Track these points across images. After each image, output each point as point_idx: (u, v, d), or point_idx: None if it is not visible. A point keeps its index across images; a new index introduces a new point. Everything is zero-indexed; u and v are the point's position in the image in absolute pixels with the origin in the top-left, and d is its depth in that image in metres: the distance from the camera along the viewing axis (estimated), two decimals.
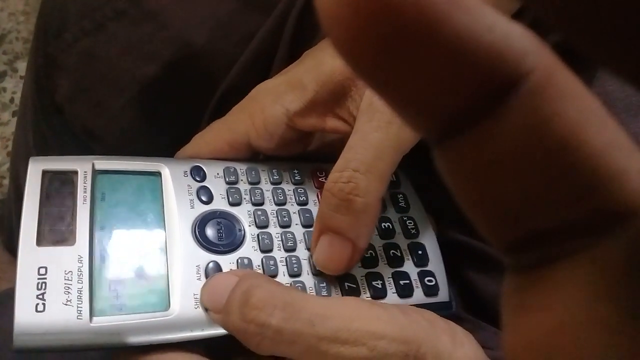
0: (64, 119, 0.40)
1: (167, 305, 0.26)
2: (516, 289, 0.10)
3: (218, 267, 0.27)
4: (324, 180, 0.33)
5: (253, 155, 0.33)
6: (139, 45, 0.38)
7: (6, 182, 0.92)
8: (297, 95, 0.30)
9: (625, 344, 0.08)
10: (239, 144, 0.32)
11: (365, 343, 0.23)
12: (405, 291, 0.30)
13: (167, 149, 0.33)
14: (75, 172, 0.28)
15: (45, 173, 0.28)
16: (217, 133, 0.33)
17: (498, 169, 0.09)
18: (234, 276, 0.25)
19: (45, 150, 0.43)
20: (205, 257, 0.28)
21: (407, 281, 0.30)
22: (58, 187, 0.28)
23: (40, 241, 0.25)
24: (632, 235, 0.08)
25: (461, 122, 0.08)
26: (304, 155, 0.34)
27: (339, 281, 0.29)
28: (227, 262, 0.28)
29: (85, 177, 0.28)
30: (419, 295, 0.30)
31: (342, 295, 0.28)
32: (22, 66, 1.05)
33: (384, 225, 0.32)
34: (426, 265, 0.31)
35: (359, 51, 0.08)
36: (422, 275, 0.30)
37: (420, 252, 0.31)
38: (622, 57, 0.07)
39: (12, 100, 1.02)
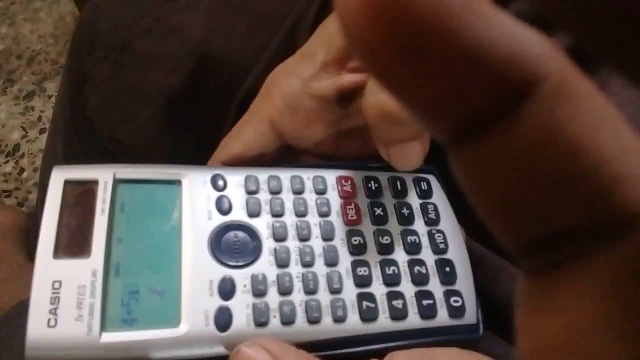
0: (93, 130, 0.41)
1: (178, 322, 0.26)
2: (531, 291, 0.10)
3: (232, 283, 0.27)
4: (349, 190, 0.31)
5: (282, 147, 0.33)
6: (163, 58, 0.40)
7: (32, 196, 0.96)
8: (308, 64, 0.32)
9: (635, 348, 0.08)
10: (263, 130, 0.32)
11: None
12: (428, 312, 0.28)
13: (192, 155, 0.33)
14: (96, 182, 0.28)
15: (67, 183, 0.28)
16: (240, 127, 0.33)
17: (512, 173, 0.09)
18: (266, 354, 0.24)
19: (73, 159, 0.45)
20: (219, 271, 0.27)
21: (431, 301, 0.28)
22: (78, 197, 0.28)
23: (57, 253, 0.26)
24: None
25: (476, 125, 0.09)
26: (329, 159, 0.33)
27: (358, 300, 0.28)
28: (242, 277, 0.27)
29: (105, 187, 0.28)
30: (443, 316, 0.28)
31: (361, 318, 0.27)
32: (50, 86, 1.10)
33: (411, 239, 0.30)
34: (454, 284, 0.29)
35: (376, 55, 0.08)
36: (447, 294, 0.29)
37: (448, 269, 0.30)
38: (633, 56, 0.07)
39: (39, 118, 1.07)
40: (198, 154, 0.33)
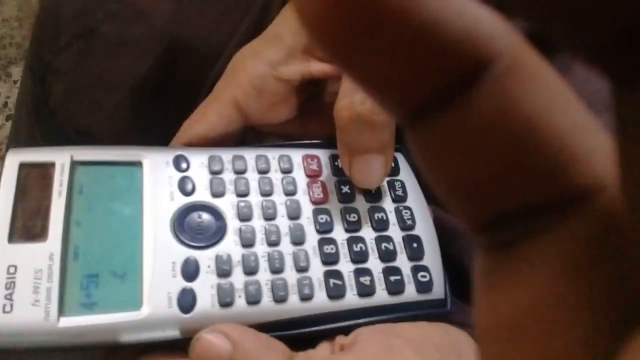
0: (58, 121, 0.40)
1: (140, 304, 0.25)
2: (487, 268, 0.10)
3: (195, 264, 0.26)
4: (315, 168, 0.31)
5: (247, 129, 0.32)
6: (130, 45, 0.38)
7: None
8: (276, 47, 0.31)
9: (590, 321, 0.08)
10: (228, 111, 0.31)
11: None
12: (395, 288, 0.28)
13: (163, 144, 0.32)
14: (53, 164, 0.27)
15: (22, 165, 0.27)
16: (204, 109, 0.32)
17: (467, 150, 0.09)
18: (225, 339, 0.24)
19: None
20: (183, 253, 0.27)
21: (399, 277, 0.28)
22: (34, 181, 0.27)
23: (12, 238, 0.25)
24: (597, 213, 0.09)
25: (431, 104, 0.09)
26: (295, 139, 0.33)
27: (325, 278, 0.28)
28: (206, 257, 0.27)
29: (62, 170, 0.27)
30: (410, 291, 0.28)
31: (328, 295, 0.27)
32: (15, 71, 1.07)
33: (378, 216, 0.30)
34: (421, 259, 0.29)
35: (328, 34, 0.08)
36: (415, 270, 0.29)
37: (415, 245, 0.29)
38: (584, 36, 0.07)
39: (5, 104, 1.04)
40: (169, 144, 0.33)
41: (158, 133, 0.40)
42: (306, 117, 0.34)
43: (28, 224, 0.26)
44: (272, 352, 0.24)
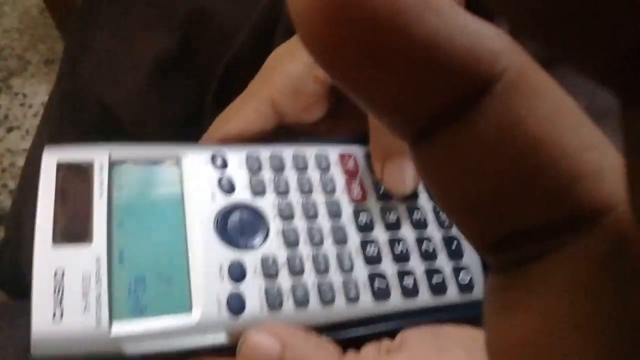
0: (83, 97, 0.40)
1: (190, 307, 0.25)
2: (497, 289, 0.10)
3: (242, 266, 0.26)
4: (352, 166, 0.31)
5: (280, 128, 0.32)
6: (155, 20, 0.39)
7: (1, 198, 0.92)
8: None
9: (602, 343, 0.08)
10: (265, 110, 0.31)
11: None
12: (438, 288, 0.28)
13: (179, 125, 0.32)
14: (92, 164, 0.27)
15: (60, 166, 0.26)
16: (240, 106, 0.32)
17: (474, 169, 0.09)
18: (274, 340, 0.24)
19: (60, 133, 0.43)
20: (228, 255, 0.26)
21: (441, 277, 0.28)
22: (73, 181, 0.26)
23: (56, 239, 0.24)
24: (607, 233, 0.08)
25: (436, 123, 0.08)
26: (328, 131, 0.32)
27: (369, 279, 0.27)
28: (251, 259, 0.26)
29: (101, 169, 0.27)
30: (453, 292, 0.28)
31: (373, 296, 0.27)
32: (16, 83, 1.04)
33: (416, 214, 0.30)
34: (461, 258, 0.29)
35: (330, 54, 0.08)
36: (456, 270, 0.29)
37: (454, 245, 0.29)
38: (592, 53, 0.07)
39: (6, 117, 1.02)
40: (186, 124, 0.32)
41: (176, 107, 0.40)
42: (337, 117, 0.34)
43: (71, 226, 0.25)
44: (322, 351, 0.24)
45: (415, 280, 0.28)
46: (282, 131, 0.33)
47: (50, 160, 0.26)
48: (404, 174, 0.29)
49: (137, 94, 0.40)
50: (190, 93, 0.41)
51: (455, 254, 0.29)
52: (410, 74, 0.08)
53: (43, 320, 0.23)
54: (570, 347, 0.08)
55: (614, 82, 0.07)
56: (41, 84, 1.04)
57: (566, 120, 0.08)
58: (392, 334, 0.27)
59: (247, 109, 0.31)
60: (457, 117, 0.08)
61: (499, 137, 0.08)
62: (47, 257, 0.24)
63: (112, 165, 0.27)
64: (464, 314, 0.28)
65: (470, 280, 0.29)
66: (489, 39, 0.08)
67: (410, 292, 0.28)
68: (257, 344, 0.24)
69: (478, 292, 0.29)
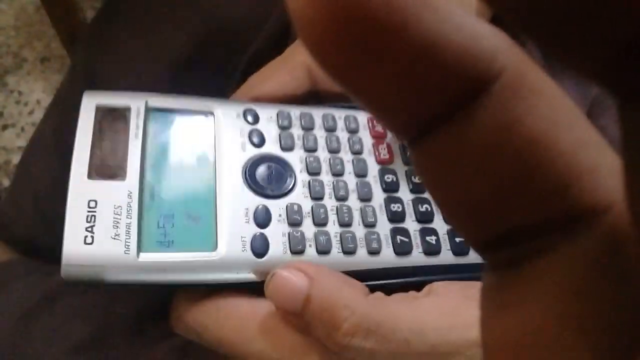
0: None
1: (215, 246, 0.25)
2: (493, 287, 0.10)
3: (267, 212, 0.27)
4: (380, 130, 0.31)
5: (313, 96, 0.32)
6: (175, 20, 0.40)
7: None
8: None
9: (598, 342, 0.08)
10: (299, 74, 0.32)
11: (464, 352, 0.23)
12: (460, 249, 0.28)
13: None
14: (128, 109, 0.28)
15: (99, 108, 0.27)
16: (274, 67, 0.33)
17: (471, 168, 0.09)
18: (302, 275, 0.24)
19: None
20: (255, 201, 0.27)
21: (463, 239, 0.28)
22: (111, 123, 0.27)
23: (91, 174, 0.25)
24: (603, 232, 0.08)
25: (434, 122, 0.08)
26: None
27: (392, 234, 0.28)
28: (277, 207, 0.27)
29: (138, 114, 0.28)
30: (475, 253, 0.28)
31: (395, 251, 0.27)
32: (12, 80, 1.04)
33: None
34: None
35: (328, 52, 0.08)
36: None
37: None
38: (588, 51, 0.07)
39: (1, 114, 1.02)
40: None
41: None
42: None
43: (106, 163, 0.26)
44: (350, 287, 0.24)
45: (437, 239, 0.28)
46: (314, 99, 0.34)
47: (90, 102, 0.27)
48: None
49: (154, 91, 0.41)
50: (205, 93, 0.42)
51: None
52: (408, 73, 0.08)
53: (74, 244, 0.23)
54: (565, 347, 0.08)
55: (611, 81, 0.07)
56: (37, 81, 1.04)
57: (563, 120, 0.08)
58: (417, 288, 0.27)
59: (282, 71, 0.32)
60: (455, 116, 0.08)
61: (497, 136, 0.08)
62: (81, 189, 0.25)
63: (148, 110, 0.28)
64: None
65: None
66: (486, 38, 0.08)
67: (432, 250, 0.28)
68: (286, 279, 0.24)
69: None
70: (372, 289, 0.26)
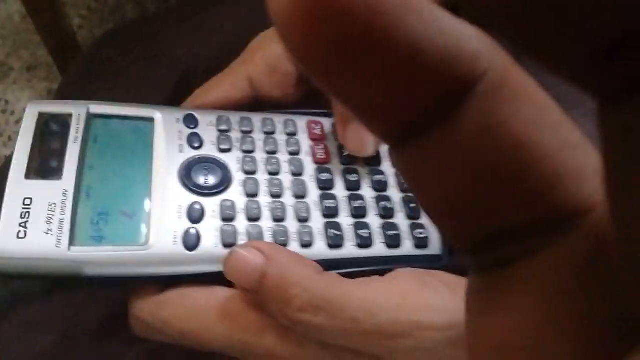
0: None
1: (146, 241, 0.26)
2: (478, 290, 0.10)
3: (201, 208, 0.27)
4: (318, 133, 0.32)
5: (256, 104, 0.34)
6: (151, 79, 0.41)
7: None
8: None
9: (583, 343, 0.08)
10: (242, 85, 0.33)
11: (412, 334, 0.24)
12: (393, 242, 0.29)
13: None
14: (70, 115, 0.29)
15: (41, 115, 0.29)
16: (218, 80, 0.34)
17: (455, 171, 0.09)
18: (259, 253, 0.25)
19: None
20: (189, 198, 0.28)
21: (396, 232, 0.29)
22: (52, 128, 0.28)
23: (29, 175, 0.26)
24: (588, 233, 0.08)
25: (417, 125, 0.08)
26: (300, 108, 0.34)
27: (325, 228, 0.29)
28: (211, 204, 0.28)
29: (79, 119, 0.29)
30: (408, 246, 0.29)
31: (328, 244, 0.28)
32: None
33: (377, 178, 0.31)
34: (419, 218, 0.30)
35: (310, 55, 0.08)
36: (412, 227, 0.30)
37: (413, 204, 0.30)
38: (568, 52, 0.07)
39: None
40: None
41: None
42: (314, 101, 0.36)
43: (44, 164, 0.27)
44: (305, 265, 0.25)
45: (370, 233, 0.29)
46: (256, 108, 0.35)
47: (33, 110, 0.29)
48: (365, 137, 0.30)
49: None
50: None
51: (413, 213, 0.30)
52: (390, 76, 0.08)
53: (7, 238, 0.24)
54: (550, 348, 0.08)
55: (590, 82, 0.07)
56: (23, 90, 1.04)
57: (548, 121, 0.08)
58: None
59: (225, 82, 0.34)
60: (438, 118, 0.08)
61: (481, 138, 0.08)
62: (18, 188, 0.26)
63: (89, 117, 0.29)
64: (419, 265, 0.29)
65: (427, 236, 0.29)
66: (469, 40, 0.08)
67: (364, 243, 0.28)
68: (242, 257, 0.25)
69: (434, 248, 0.29)
70: None
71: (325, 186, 0.30)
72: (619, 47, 0.06)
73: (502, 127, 0.08)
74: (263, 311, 0.25)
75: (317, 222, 0.29)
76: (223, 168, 0.29)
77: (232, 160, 0.30)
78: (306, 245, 0.28)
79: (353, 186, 0.30)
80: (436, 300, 0.24)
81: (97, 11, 1.11)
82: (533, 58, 0.07)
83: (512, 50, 0.08)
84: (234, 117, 0.32)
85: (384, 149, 0.33)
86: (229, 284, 0.26)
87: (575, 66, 0.07)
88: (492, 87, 0.08)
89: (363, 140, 0.30)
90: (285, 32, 0.08)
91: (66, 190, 0.26)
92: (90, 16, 1.10)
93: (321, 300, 0.23)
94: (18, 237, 0.24)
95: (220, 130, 0.31)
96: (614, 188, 0.07)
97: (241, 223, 0.28)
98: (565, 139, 0.08)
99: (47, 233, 0.25)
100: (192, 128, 0.31)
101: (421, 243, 0.29)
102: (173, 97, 0.41)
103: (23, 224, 0.25)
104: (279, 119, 0.32)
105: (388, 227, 0.29)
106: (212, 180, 0.29)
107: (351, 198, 0.30)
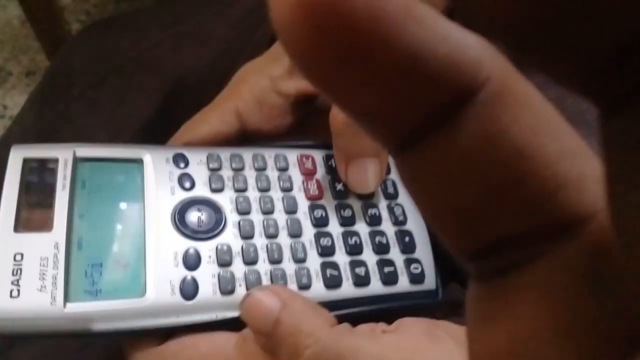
0: None
1: (143, 292, 0.26)
2: (479, 298, 0.10)
3: (197, 254, 0.27)
4: (310, 167, 0.32)
5: (244, 137, 0.33)
6: (136, 91, 0.41)
7: None
8: (277, 64, 0.33)
9: (585, 351, 0.08)
10: (229, 118, 0.33)
11: None
12: (389, 278, 0.29)
13: None
14: (56, 160, 0.28)
15: (26, 161, 0.28)
16: (205, 114, 0.33)
17: (456, 178, 0.09)
18: (275, 298, 0.25)
19: None
20: (184, 244, 0.27)
21: (392, 268, 0.29)
22: (38, 175, 0.28)
23: (17, 228, 0.26)
24: (589, 240, 0.08)
25: (419, 132, 0.08)
26: (290, 141, 0.34)
27: (322, 268, 0.28)
28: (207, 248, 0.27)
29: (65, 165, 0.28)
30: (404, 282, 0.29)
31: (325, 285, 0.28)
32: None
33: (371, 212, 0.31)
34: (413, 252, 0.30)
35: (312, 62, 0.08)
36: (408, 262, 0.30)
37: (407, 238, 0.31)
38: (570, 61, 0.07)
39: None
40: None
41: None
42: (303, 131, 0.35)
43: (33, 216, 0.26)
44: (318, 315, 0.25)
45: (367, 270, 0.29)
46: (245, 141, 0.35)
47: (17, 156, 0.28)
48: (367, 174, 0.30)
49: None
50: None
51: (407, 247, 0.30)
52: (392, 84, 0.08)
53: (0, 298, 0.23)
54: (550, 357, 0.08)
55: (592, 91, 0.07)
56: (22, 95, 1.04)
57: (549, 129, 0.08)
58: (387, 321, 0.27)
59: (212, 116, 0.33)
60: (440, 126, 0.08)
61: (482, 146, 0.08)
62: (7, 243, 0.25)
63: (76, 161, 0.29)
64: (415, 302, 0.29)
65: (422, 271, 0.30)
66: (471, 47, 0.08)
67: (361, 281, 0.29)
68: (260, 300, 0.25)
69: (429, 283, 0.30)
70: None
71: (320, 223, 0.30)
72: (623, 53, 0.06)
73: (503, 135, 0.08)
74: (271, 358, 0.25)
75: (313, 262, 0.29)
76: (216, 209, 0.29)
77: (226, 201, 0.30)
78: (304, 287, 0.28)
79: (347, 222, 0.30)
80: (444, 355, 0.24)
81: (95, 16, 1.11)
82: (533, 64, 0.07)
83: (513, 57, 0.08)
84: (224, 154, 0.31)
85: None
86: (228, 328, 0.26)
87: (577, 73, 0.07)
88: (493, 94, 0.08)
89: (365, 177, 0.30)
90: (288, 41, 0.08)
91: (57, 243, 0.25)
92: (89, 21, 1.10)
93: (332, 354, 0.23)
94: (11, 297, 0.24)
95: (211, 169, 0.30)
96: (615, 195, 0.07)
97: (238, 267, 0.27)
98: (566, 147, 0.08)
99: (40, 290, 0.24)
100: (183, 168, 0.30)
101: (417, 278, 0.29)
102: (163, 107, 0.40)
103: (15, 282, 0.24)
104: (269, 154, 0.32)
105: (384, 263, 0.29)
106: (206, 222, 0.28)
107: (346, 234, 0.30)
